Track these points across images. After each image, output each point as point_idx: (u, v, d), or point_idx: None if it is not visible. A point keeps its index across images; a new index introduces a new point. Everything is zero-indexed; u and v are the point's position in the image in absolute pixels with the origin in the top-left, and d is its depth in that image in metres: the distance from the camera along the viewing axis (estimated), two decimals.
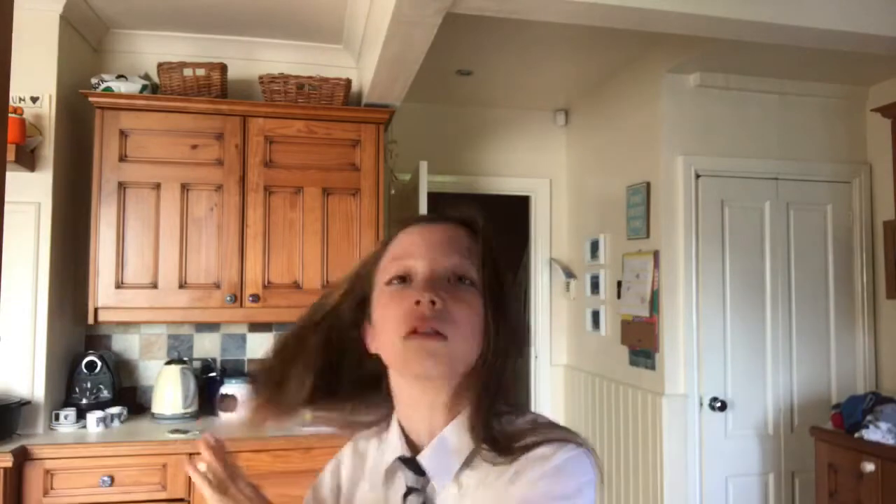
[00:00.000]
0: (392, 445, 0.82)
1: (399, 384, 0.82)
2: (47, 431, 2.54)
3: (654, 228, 3.14)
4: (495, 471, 0.75)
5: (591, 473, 0.73)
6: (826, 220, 3.28)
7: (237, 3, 2.72)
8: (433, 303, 0.74)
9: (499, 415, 0.78)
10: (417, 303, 0.74)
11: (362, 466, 0.88)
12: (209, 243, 2.75)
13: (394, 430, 0.83)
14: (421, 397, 0.79)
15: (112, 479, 2.36)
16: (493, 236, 0.83)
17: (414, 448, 0.80)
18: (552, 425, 0.79)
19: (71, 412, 2.60)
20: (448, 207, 0.86)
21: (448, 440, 0.78)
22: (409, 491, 0.78)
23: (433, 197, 3.24)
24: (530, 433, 0.76)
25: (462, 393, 0.79)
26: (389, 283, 0.79)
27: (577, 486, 0.71)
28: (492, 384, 0.78)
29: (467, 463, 0.77)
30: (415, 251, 0.79)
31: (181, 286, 2.71)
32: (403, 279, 0.78)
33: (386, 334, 0.78)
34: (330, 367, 0.83)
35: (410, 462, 0.79)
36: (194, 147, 2.75)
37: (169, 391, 2.73)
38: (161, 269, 2.70)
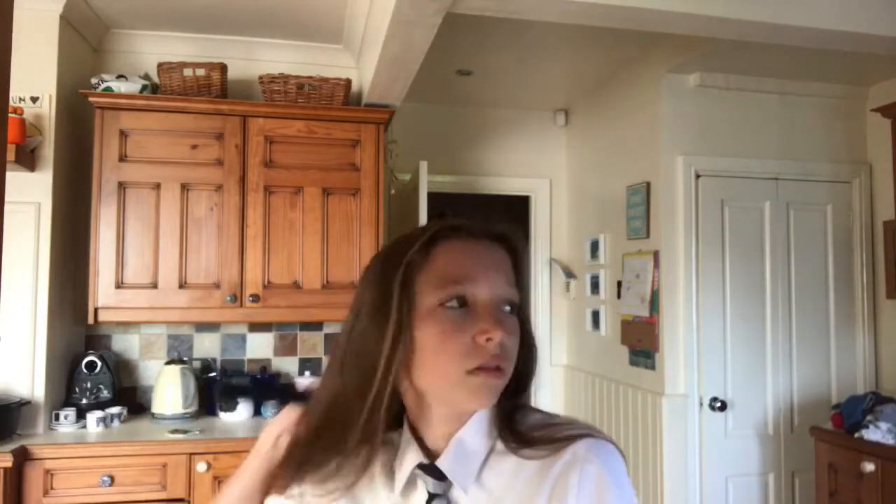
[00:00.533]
0: (409, 455, 0.79)
1: (425, 404, 0.78)
2: (47, 431, 2.54)
3: (654, 228, 3.14)
4: (523, 468, 0.74)
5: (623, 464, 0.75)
6: (826, 220, 3.28)
7: (237, 3, 2.72)
8: (503, 341, 0.72)
9: (511, 411, 0.78)
10: (488, 339, 0.71)
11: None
12: (209, 243, 2.75)
13: (407, 439, 0.80)
14: (447, 415, 0.78)
15: (112, 479, 2.36)
16: (524, 247, 0.84)
17: (429, 454, 0.78)
18: (567, 420, 0.79)
19: (71, 412, 2.60)
20: (483, 219, 0.82)
21: (465, 442, 0.76)
22: (432, 498, 0.76)
23: (433, 197, 3.24)
24: (548, 425, 0.76)
25: None
26: (444, 305, 0.73)
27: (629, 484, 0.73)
28: (510, 389, 0.78)
29: (486, 463, 0.76)
30: (473, 273, 0.74)
31: (181, 286, 2.71)
32: (463, 303, 0.74)
33: (442, 365, 0.73)
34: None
35: (430, 468, 0.77)
36: (194, 147, 2.75)
37: (169, 391, 2.73)
38: (161, 269, 2.70)
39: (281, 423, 0.86)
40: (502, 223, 0.82)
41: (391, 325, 0.74)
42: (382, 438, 0.77)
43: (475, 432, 0.77)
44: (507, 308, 0.76)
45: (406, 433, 0.81)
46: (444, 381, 0.74)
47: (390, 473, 0.80)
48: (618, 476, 0.71)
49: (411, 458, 0.78)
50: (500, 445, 0.77)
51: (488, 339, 0.72)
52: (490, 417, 0.78)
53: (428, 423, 0.79)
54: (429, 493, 0.76)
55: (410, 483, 0.78)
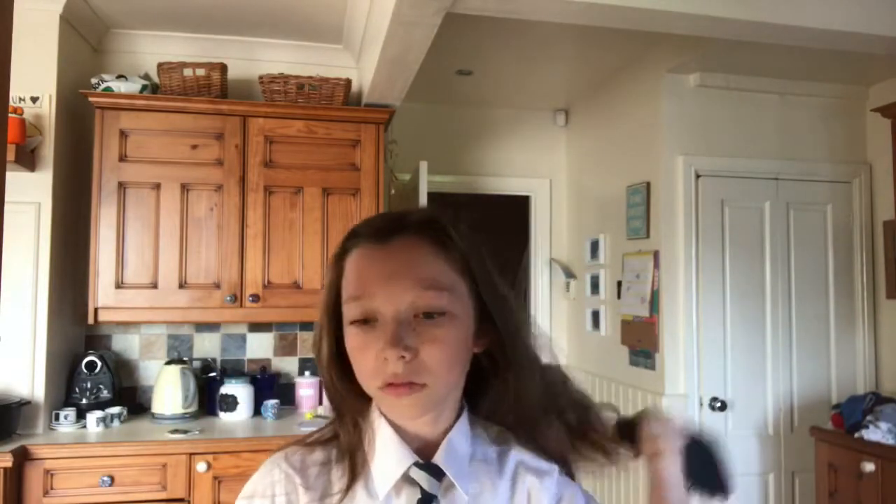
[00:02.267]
0: (392, 455, 0.74)
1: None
2: (47, 431, 2.54)
3: (654, 228, 3.14)
4: (493, 480, 0.75)
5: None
6: (826, 220, 3.28)
7: (237, 3, 2.72)
8: (403, 357, 0.68)
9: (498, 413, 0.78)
10: (385, 359, 0.68)
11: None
12: (209, 243, 2.75)
13: (387, 439, 0.75)
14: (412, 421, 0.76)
15: (112, 479, 2.36)
16: (456, 227, 0.76)
17: (417, 450, 0.75)
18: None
19: (71, 412, 2.60)
20: (405, 210, 0.78)
21: (454, 441, 0.76)
22: (428, 499, 0.73)
23: (433, 197, 3.24)
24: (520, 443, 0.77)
25: (462, 378, 0.76)
26: (352, 323, 0.72)
27: None
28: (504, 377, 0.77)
29: (469, 466, 0.76)
30: (372, 289, 0.70)
31: (181, 286, 2.71)
32: (366, 321, 0.71)
33: (361, 378, 0.73)
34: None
35: (428, 467, 0.74)
36: (194, 147, 2.75)
37: (169, 391, 2.73)
38: (161, 269, 2.70)
39: None
40: (419, 209, 0.78)
41: (325, 337, 0.76)
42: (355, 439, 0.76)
43: (461, 432, 0.77)
44: (427, 316, 0.70)
45: (381, 429, 0.76)
46: (369, 392, 0.74)
47: (366, 481, 0.75)
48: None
49: (397, 457, 0.74)
50: (479, 452, 0.76)
51: (385, 359, 0.69)
52: (471, 420, 0.78)
53: (404, 424, 0.76)
54: (424, 491, 0.73)
55: (399, 484, 0.74)
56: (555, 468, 0.78)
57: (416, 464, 0.74)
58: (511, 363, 0.77)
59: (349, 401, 0.77)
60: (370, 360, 0.70)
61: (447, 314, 0.71)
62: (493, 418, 0.81)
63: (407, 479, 0.74)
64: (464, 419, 0.77)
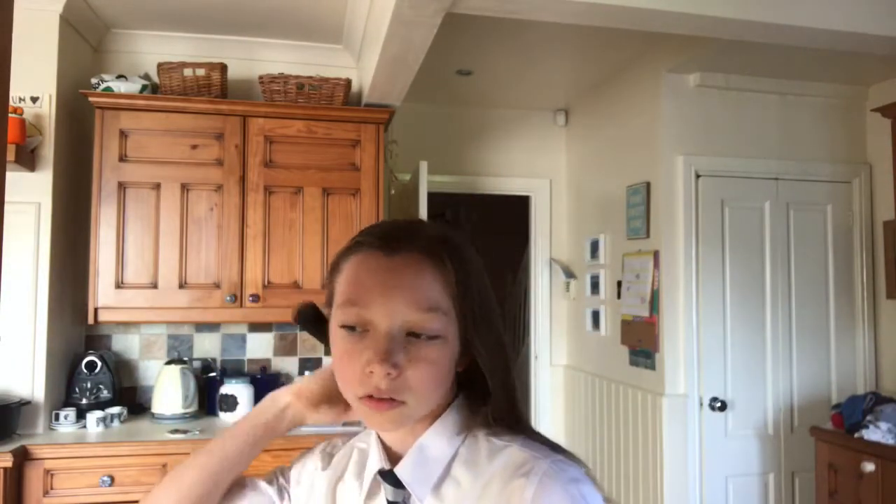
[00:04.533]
0: (372, 458, 0.77)
1: None
2: (47, 431, 2.54)
3: (654, 228, 3.14)
4: (481, 478, 0.71)
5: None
6: (826, 220, 3.28)
7: (237, 3, 2.72)
8: (389, 374, 0.67)
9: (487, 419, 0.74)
10: (371, 372, 0.68)
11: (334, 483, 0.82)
12: (209, 243, 2.75)
13: (372, 440, 0.78)
14: None
15: (112, 479, 2.36)
16: (465, 249, 0.74)
17: (395, 458, 0.75)
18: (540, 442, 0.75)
19: (71, 412, 2.60)
20: (416, 222, 0.77)
21: (427, 448, 0.73)
22: None
23: (433, 197, 3.24)
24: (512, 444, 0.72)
25: (445, 398, 0.75)
26: (342, 327, 0.71)
27: None
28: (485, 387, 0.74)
29: (448, 471, 0.73)
30: (368, 297, 0.70)
31: (181, 286, 2.71)
32: (362, 327, 0.70)
33: (342, 384, 0.73)
34: None
35: (388, 475, 0.74)
36: (194, 147, 2.75)
37: (169, 391, 2.73)
38: (161, 269, 2.70)
39: (291, 392, 0.83)
40: (431, 225, 0.76)
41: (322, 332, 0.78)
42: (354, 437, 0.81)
43: (438, 435, 0.74)
44: (417, 336, 0.69)
45: (372, 434, 0.78)
46: (349, 399, 0.74)
47: (361, 475, 0.79)
48: (575, 499, 0.66)
49: (373, 462, 0.76)
50: (464, 451, 0.73)
51: (371, 372, 0.68)
52: (458, 420, 0.75)
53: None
54: (387, 500, 0.74)
55: (374, 488, 0.76)
56: (541, 469, 0.70)
57: (379, 471, 0.75)
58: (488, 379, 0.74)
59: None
60: (356, 369, 0.69)
61: (440, 338, 0.70)
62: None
63: (380, 482, 0.76)
64: (443, 421, 0.74)
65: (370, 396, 0.69)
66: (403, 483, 0.73)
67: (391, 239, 0.72)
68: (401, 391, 0.68)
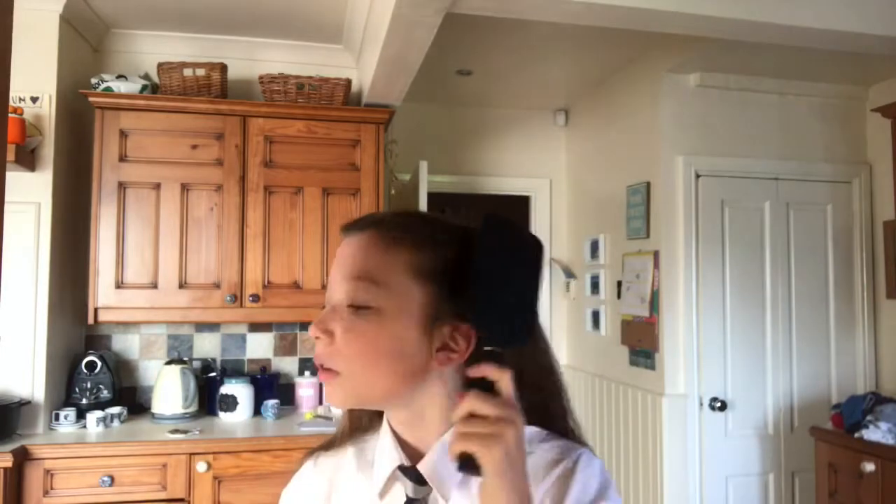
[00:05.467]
0: (387, 455, 0.76)
1: None
2: (47, 431, 2.54)
3: (654, 228, 3.14)
4: None
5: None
6: (826, 220, 3.28)
7: (237, 3, 2.72)
8: (318, 338, 0.73)
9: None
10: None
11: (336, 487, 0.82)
12: (209, 243, 2.75)
13: (386, 436, 0.78)
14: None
15: (112, 479, 2.36)
16: (437, 231, 0.75)
17: (415, 455, 0.75)
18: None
19: (71, 412, 2.60)
20: (388, 213, 0.82)
21: (448, 443, 0.73)
22: (410, 502, 0.73)
23: (433, 197, 3.24)
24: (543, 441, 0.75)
25: (410, 385, 0.74)
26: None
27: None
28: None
29: None
30: (331, 274, 0.77)
31: (181, 286, 2.71)
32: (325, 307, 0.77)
33: None
34: None
35: (410, 471, 0.74)
36: (194, 147, 2.75)
37: (169, 391, 2.72)
38: (161, 269, 2.70)
39: None
40: (401, 211, 0.82)
41: None
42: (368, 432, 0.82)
43: None
44: (355, 309, 0.72)
45: (384, 429, 0.79)
46: None
47: (370, 471, 0.79)
48: (608, 479, 0.73)
49: (389, 457, 0.76)
50: None
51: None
52: None
53: (405, 423, 0.78)
54: (407, 497, 0.73)
55: (390, 484, 0.76)
56: (578, 451, 0.75)
57: (400, 467, 0.75)
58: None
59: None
60: None
61: (372, 309, 0.71)
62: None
63: (399, 479, 0.75)
64: None
65: (320, 366, 0.74)
66: (427, 479, 0.73)
67: (352, 223, 0.78)
68: (332, 359, 0.72)
